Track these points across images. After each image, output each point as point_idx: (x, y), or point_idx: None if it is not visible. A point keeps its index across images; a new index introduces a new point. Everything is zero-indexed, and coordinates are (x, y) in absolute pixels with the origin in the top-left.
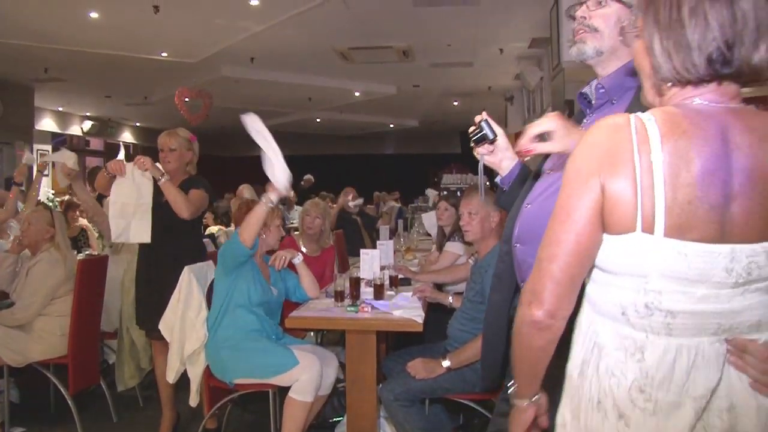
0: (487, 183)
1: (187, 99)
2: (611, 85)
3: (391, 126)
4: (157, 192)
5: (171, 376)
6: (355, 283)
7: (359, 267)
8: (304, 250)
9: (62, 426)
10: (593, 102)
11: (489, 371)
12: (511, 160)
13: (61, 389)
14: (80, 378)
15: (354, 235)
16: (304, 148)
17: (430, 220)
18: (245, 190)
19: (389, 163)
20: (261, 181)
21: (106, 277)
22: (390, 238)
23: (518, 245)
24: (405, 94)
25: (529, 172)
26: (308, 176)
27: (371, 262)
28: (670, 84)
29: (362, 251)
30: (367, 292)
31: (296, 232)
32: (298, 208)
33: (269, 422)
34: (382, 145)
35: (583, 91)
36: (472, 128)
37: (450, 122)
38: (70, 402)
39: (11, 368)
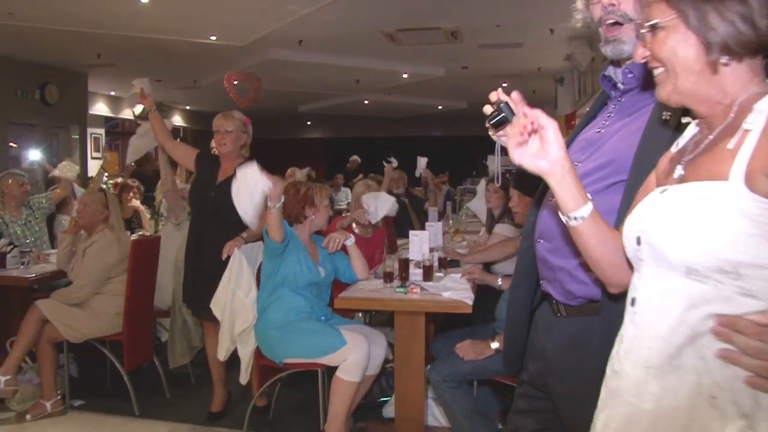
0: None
1: (236, 82)
2: (642, 71)
3: (440, 108)
4: (212, 173)
5: (222, 355)
6: (404, 264)
7: (408, 248)
8: (356, 231)
9: (118, 400)
10: (619, 85)
11: (510, 363)
12: None
13: (117, 365)
14: (135, 355)
15: (402, 216)
16: (352, 130)
17: (478, 206)
18: (297, 173)
19: (437, 145)
20: (308, 163)
21: (158, 258)
22: (438, 220)
23: (541, 241)
24: (453, 76)
25: None
26: (354, 157)
27: (420, 244)
28: (726, 59)
29: (411, 233)
30: (416, 273)
31: (347, 214)
32: (345, 190)
33: (317, 401)
34: (430, 127)
35: (606, 73)
36: (489, 109)
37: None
38: (125, 377)
39: (70, 344)
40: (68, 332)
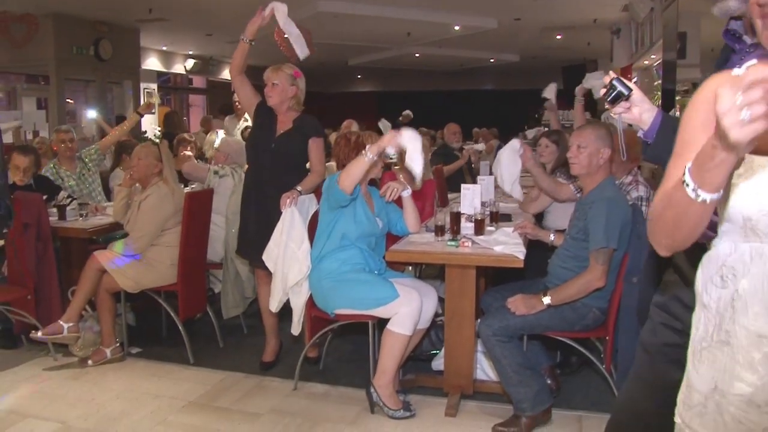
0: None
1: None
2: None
3: (491, 61)
4: (271, 124)
5: (274, 306)
6: (456, 218)
7: (459, 202)
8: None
9: (173, 348)
10: (745, 38)
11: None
12: (650, 112)
13: (172, 315)
14: (189, 305)
15: (455, 171)
16: (403, 84)
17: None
18: (352, 125)
19: (488, 99)
20: (360, 116)
21: (211, 210)
22: (490, 174)
23: None
24: (506, 28)
25: (675, 120)
26: (407, 112)
27: (472, 198)
28: None
29: (463, 186)
30: (467, 227)
31: (396, 167)
32: None
33: (368, 353)
34: (481, 81)
35: (730, 27)
36: (603, 90)
37: (552, 57)
38: (180, 327)
39: (127, 294)
40: (125, 282)
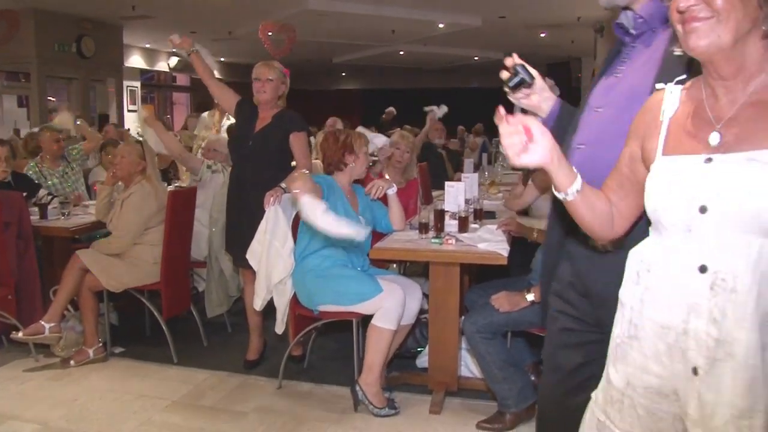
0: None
1: (270, 33)
2: (650, 12)
3: (476, 59)
4: (250, 121)
5: (258, 304)
6: (440, 215)
7: (443, 200)
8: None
9: (157, 347)
10: (631, 31)
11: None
12: (549, 101)
13: (156, 314)
14: (172, 304)
15: (438, 167)
16: (387, 82)
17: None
18: (337, 123)
19: (473, 96)
20: (345, 114)
21: (195, 209)
22: (474, 172)
23: (583, 146)
24: (490, 26)
25: (572, 110)
26: (390, 109)
27: (456, 195)
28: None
29: (447, 184)
30: (451, 224)
31: (381, 164)
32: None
33: (352, 351)
34: (466, 79)
35: (619, 21)
36: (506, 74)
37: (536, 54)
38: (163, 326)
39: (110, 293)
40: (108, 281)
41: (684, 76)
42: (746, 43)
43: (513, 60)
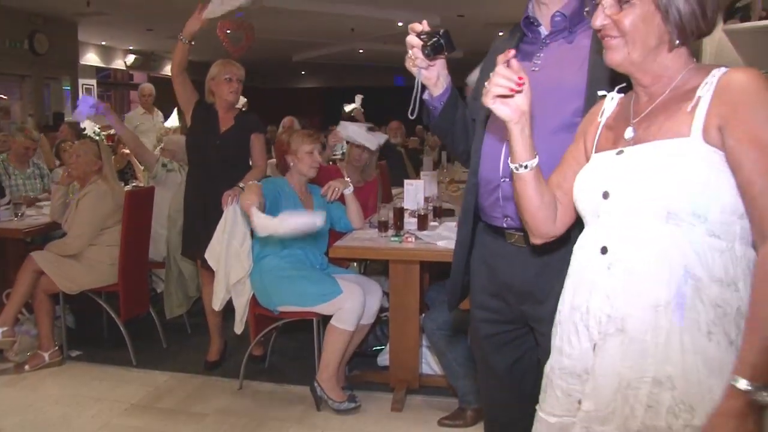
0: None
1: (228, 31)
2: (572, 12)
3: None
4: (212, 122)
5: (217, 304)
6: (399, 213)
7: (403, 198)
8: (347, 180)
9: (115, 350)
10: (542, 29)
11: (454, 298)
12: (446, 78)
13: (113, 316)
14: (130, 305)
15: (398, 166)
16: (347, 80)
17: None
18: (294, 123)
19: None
20: (305, 113)
21: (153, 208)
22: (434, 170)
23: (507, 180)
24: (449, 25)
25: (460, 98)
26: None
27: (415, 193)
28: (678, 43)
29: (406, 182)
30: (410, 222)
31: (341, 162)
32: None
33: (313, 350)
34: None
35: (529, 14)
36: (422, 30)
37: None
38: (121, 328)
39: (66, 295)
40: (64, 283)
41: (625, 85)
42: (657, 56)
43: (424, 25)
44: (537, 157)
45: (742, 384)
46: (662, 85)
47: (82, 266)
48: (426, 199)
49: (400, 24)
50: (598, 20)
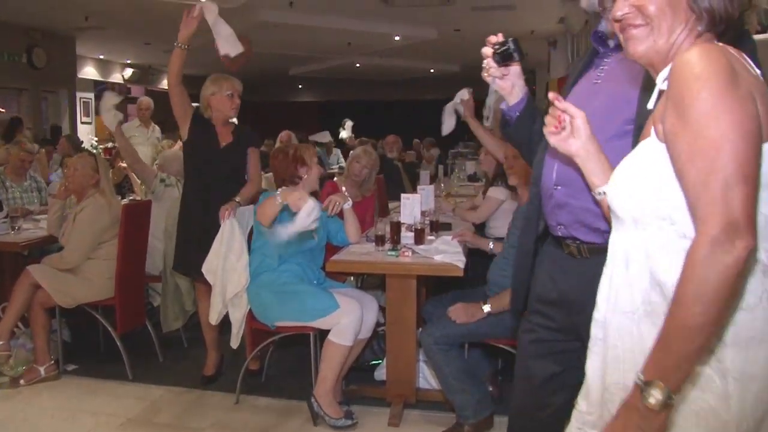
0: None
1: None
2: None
3: (432, 71)
4: (210, 136)
5: (213, 318)
6: (396, 227)
7: (400, 212)
8: (346, 194)
9: (111, 364)
10: (609, 42)
11: (518, 305)
12: (521, 89)
13: (110, 330)
14: (127, 319)
15: (395, 180)
16: (344, 94)
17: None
18: (291, 137)
19: (429, 108)
20: (301, 126)
21: (150, 222)
22: (430, 184)
23: (559, 187)
24: (446, 39)
25: (535, 107)
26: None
27: (412, 207)
28: (702, 30)
29: (403, 196)
30: (407, 236)
31: (339, 175)
32: (336, 152)
33: (310, 364)
34: (422, 91)
35: (599, 29)
36: (496, 41)
37: None
38: (118, 342)
39: (63, 309)
40: (60, 297)
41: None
42: (682, 45)
43: (503, 37)
44: None
45: (639, 380)
46: None
47: (78, 280)
48: (423, 213)
49: (396, 38)
50: (620, 10)
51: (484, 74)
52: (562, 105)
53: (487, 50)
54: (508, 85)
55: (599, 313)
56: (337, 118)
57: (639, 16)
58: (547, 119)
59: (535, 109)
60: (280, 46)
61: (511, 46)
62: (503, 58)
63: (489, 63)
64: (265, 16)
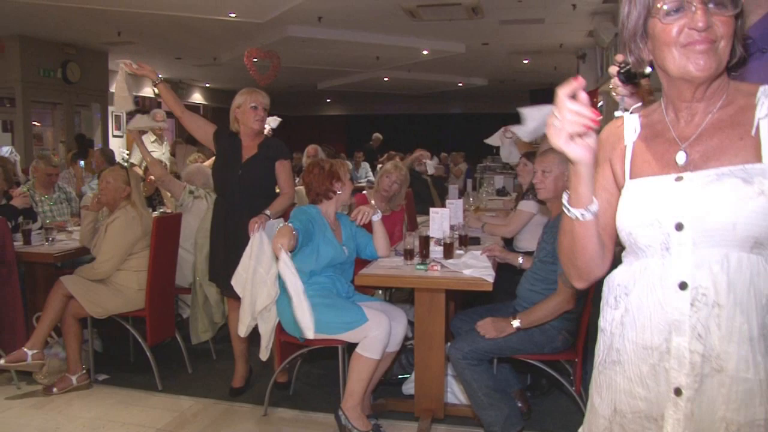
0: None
1: (255, 59)
2: (761, 33)
3: (460, 85)
4: (235, 150)
5: (242, 331)
6: (425, 241)
7: (428, 226)
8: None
9: (141, 374)
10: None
11: None
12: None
13: (140, 340)
14: (157, 330)
15: (423, 194)
16: (372, 108)
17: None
18: (317, 151)
19: (457, 122)
20: (329, 140)
21: (179, 235)
22: (459, 198)
23: None
24: (474, 53)
25: None
26: (376, 135)
27: (441, 221)
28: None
29: (432, 210)
30: (436, 250)
31: (370, 189)
32: (364, 166)
33: (338, 378)
34: (449, 104)
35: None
36: (621, 61)
37: (519, 81)
38: (148, 353)
39: (94, 319)
40: (92, 308)
41: (640, 104)
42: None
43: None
44: (596, 200)
45: None
46: (710, 104)
47: (109, 291)
48: (452, 228)
49: (425, 52)
50: (703, 20)
51: (613, 93)
52: (587, 99)
53: (613, 69)
54: (637, 102)
55: (704, 348)
56: (365, 131)
57: (712, 34)
58: (570, 116)
59: None
60: (309, 61)
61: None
62: (628, 78)
63: (615, 82)
64: (293, 31)
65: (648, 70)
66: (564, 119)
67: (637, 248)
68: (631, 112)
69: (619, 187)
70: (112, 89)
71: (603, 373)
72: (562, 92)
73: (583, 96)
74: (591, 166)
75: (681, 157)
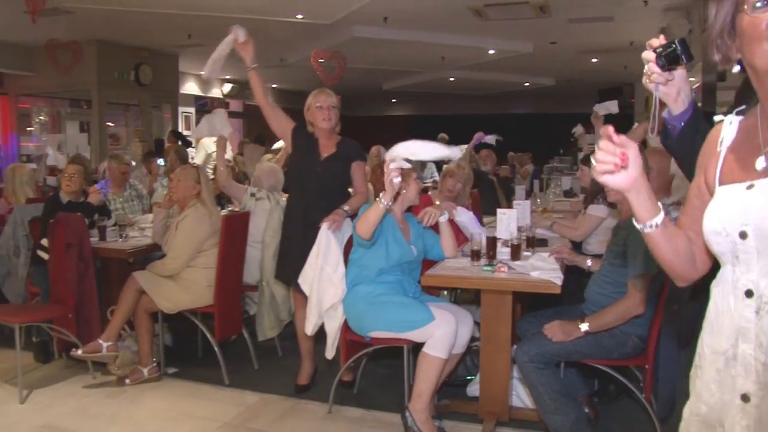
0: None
1: (322, 60)
2: None
3: (526, 85)
4: (313, 149)
5: (309, 329)
6: (492, 242)
7: (495, 227)
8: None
9: (209, 369)
10: None
11: None
12: (687, 96)
13: (208, 336)
14: (225, 326)
15: (489, 195)
16: (437, 108)
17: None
18: (380, 151)
19: (523, 122)
20: (393, 141)
21: (248, 233)
22: (526, 199)
23: None
24: (541, 52)
25: (702, 116)
26: (442, 135)
27: (508, 222)
28: None
29: (499, 211)
30: (503, 252)
31: (435, 190)
32: (430, 166)
33: (403, 377)
34: (515, 105)
35: None
36: (659, 44)
37: (587, 80)
38: (216, 348)
39: (165, 314)
40: (162, 303)
41: (744, 107)
42: None
43: (661, 39)
44: (661, 212)
45: None
46: None
47: (179, 287)
48: (519, 229)
49: (491, 52)
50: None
51: (645, 80)
52: (620, 140)
53: (648, 54)
54: (673, 91)
55: (767, 357)
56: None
57: None
58: (600, 156)
59: (701, 119)
60: (374, 61)
61: (679, 47)
62: (669, 62)
63: (651, 68)
64: (359, 31)
65: (736, 68)
66: (597, 159)
67: (716, 255)
68: (736, 113)
69: (712, 195)
70: (182, 90)
71: (690, 378)
72: (602, 132)
73: (617, 138)
74: (634, 190)
75: (761, 163)
